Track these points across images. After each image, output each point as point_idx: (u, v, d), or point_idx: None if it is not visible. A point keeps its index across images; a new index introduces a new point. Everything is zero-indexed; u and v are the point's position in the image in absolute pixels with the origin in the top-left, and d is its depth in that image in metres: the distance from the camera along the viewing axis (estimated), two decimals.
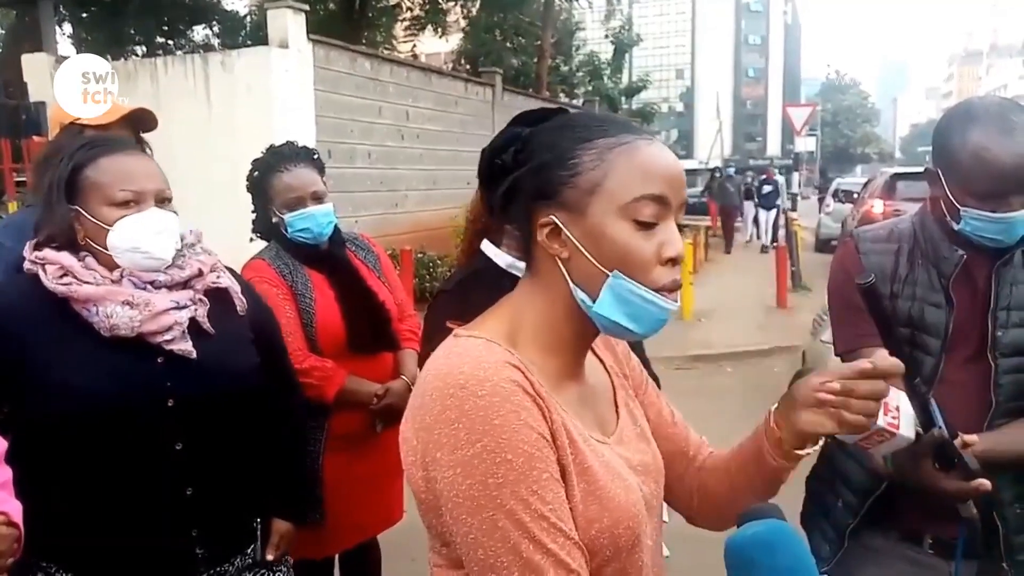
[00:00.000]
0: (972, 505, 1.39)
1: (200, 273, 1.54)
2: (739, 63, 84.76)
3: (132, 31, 16.04)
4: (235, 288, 1.61)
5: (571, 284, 0.93)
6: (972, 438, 1.37)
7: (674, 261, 0.91)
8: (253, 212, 2.29)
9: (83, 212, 1.46)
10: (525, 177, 0.94)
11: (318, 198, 2.22)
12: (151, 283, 1.47)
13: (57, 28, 13.33)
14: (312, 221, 2.20)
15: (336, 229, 2.30)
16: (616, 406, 1.06)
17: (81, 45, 16.02)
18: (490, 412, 0.84)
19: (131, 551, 1.46)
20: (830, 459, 1.73)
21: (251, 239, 2.35)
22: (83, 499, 1.45)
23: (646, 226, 0.90)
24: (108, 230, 1.44)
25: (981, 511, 1.40)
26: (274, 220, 2.23)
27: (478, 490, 0.84)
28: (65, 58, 9.60)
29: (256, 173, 2.27)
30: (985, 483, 1.34)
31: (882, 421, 1.29)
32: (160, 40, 17.17)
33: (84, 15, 15.75)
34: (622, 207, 0.89)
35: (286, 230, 2.21)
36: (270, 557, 1.69)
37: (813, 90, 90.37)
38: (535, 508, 0.84)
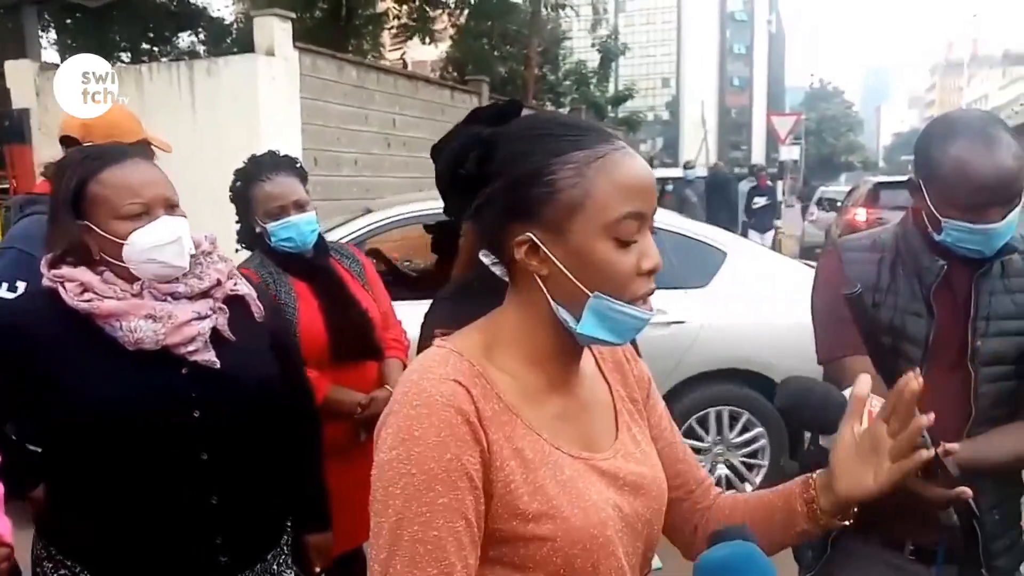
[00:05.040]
0: (952, 512, 1.41)
1: (219, 282, 1.54)
2: (724, 72, 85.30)
3: (117, 37, 15.97)
4: (252, 295, 1.62)
5: (552, 302, 0.91)
6: (953, 446, 1.39)
7: (651, 272, 0.90)
8: (237, 222, 2.29)
9: (94, 227, 1.45)
10: (499, 193, 0.91)
11: (300, 206, 2.21)
12: (171, 295, 1.47)
13: (42, 34, 13.24)
14: (295, 230, 2.20)
15: (320, 238, 2.30)
16: (617, 424, 1.04)
17: (66, 51, 15.90)
18: (414, 423, 0.85)
19: (156, 557, 1.46)
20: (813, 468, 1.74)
21: (236, 249, 2.34)
22: (109, 507, 1.45)
23: (626, 243, 0.89)
24: (122, 244, 1.44)
25: (961, 518, 1.42)
26: (257, 230, 2.22)
27: (380, 495, 0.86)
28: (50, 65, 9.56)
29: (238, 183, 2.26)
30: (966, 490, 1.35)
31: None
32: (145, 47, 17.08)
33: (68, 21, 15.65)
34: (605, 226, 0.87)
35: (269, 240, 2.21)
36: (318, 570, 1.75)
37: (797, 99, 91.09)
38: (414, 532, 0.83)
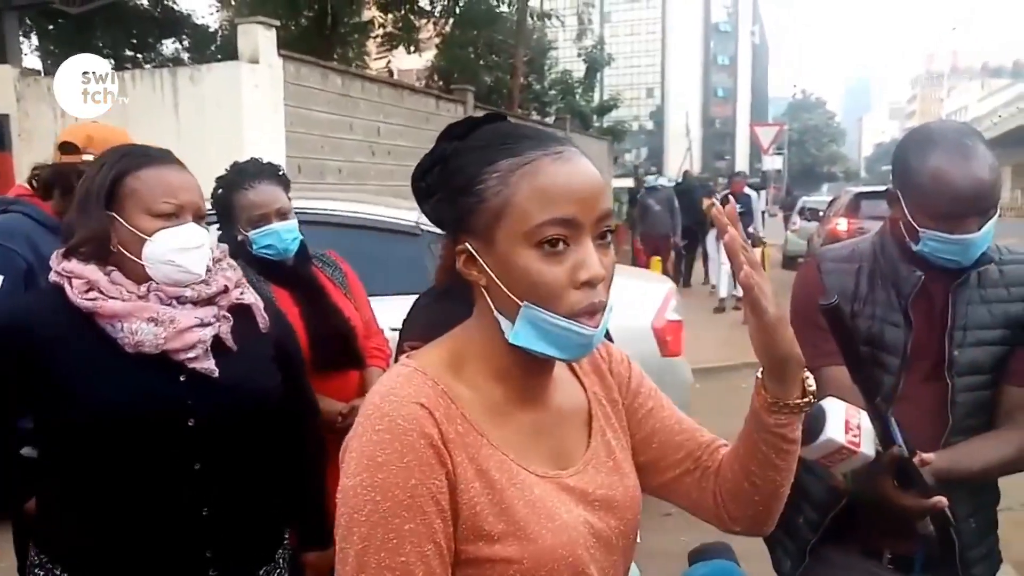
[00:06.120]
0: (929, 521, 1.42)
1: (226, 289, 1.53)
2: (708, 83, 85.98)
3: (100, 44, 15.82)
4: (258, 304, 1.60)
5: (495, 312, 0.90)
6: (929, 456, 1.40)
7: (589, 284, 0.86)
8: (218, 229, 2.27)
9: (119, 219, 1.44)
10: (441, 204, 0.92)
11: (283, 215, 2.20)
12: (177, 299, 1.46)
13: (23, 40, 13.13)
14: (276, 238, 2.19)
15: (302, 245, 2.29)
16: (589, 434, 1.02)
17: (48, 58, 15.77)
18: (377, 449, 0.84)
19: (143, 567, 1.43)
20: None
21: None
22: (97, 511, 1.43)
23: (554, 252, 0.85)
24: (145, 240, 1.43)
25: (937, 527, 1.43)
26: (239, 238, 2.21)
27: (345, 520, 0.84)
28: (31, 70, 9.48)
29: (220, 191, 2.25)
30: (942, 499, 1.37)
31: (843, 439, 1.32)
32: (129, 53, 16.98)
33: (51, 27, 15.53)
34: (525, 234, 0.85)
35: (251, 247, 2.20)
36: None
37: (780, 109, 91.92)
38: (380, 558, 0.82)
